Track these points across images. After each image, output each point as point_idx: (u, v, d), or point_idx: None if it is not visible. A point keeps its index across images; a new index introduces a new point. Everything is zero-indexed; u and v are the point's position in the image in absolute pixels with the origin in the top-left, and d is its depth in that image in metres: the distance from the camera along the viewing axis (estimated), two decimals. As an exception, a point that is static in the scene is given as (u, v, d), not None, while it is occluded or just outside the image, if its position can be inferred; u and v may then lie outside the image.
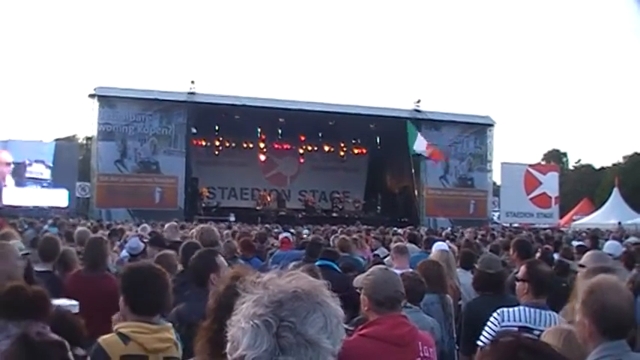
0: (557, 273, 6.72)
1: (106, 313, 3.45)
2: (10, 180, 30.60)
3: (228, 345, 1.36)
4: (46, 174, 31.08)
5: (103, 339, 2.92)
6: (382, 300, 3.37)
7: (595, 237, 13.38)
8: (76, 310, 3.65)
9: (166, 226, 10.48)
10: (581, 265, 4.77)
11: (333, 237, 10.83)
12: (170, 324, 3.14)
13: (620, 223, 28.49)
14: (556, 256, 8.42)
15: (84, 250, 5.68)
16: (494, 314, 3.97)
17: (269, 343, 1.28)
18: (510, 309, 3.96)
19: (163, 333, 2.99)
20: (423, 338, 3.42)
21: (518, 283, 4.19)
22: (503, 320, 3.89)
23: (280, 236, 10.86)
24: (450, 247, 8.32)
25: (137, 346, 2.87)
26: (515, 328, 3.77)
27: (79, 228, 9.49)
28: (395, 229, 18.10)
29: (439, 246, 7.42)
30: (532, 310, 3.90)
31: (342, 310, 1.40)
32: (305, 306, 1.32)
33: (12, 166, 30.54)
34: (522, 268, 4.26)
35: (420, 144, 29.14)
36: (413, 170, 30.98)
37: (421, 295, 4.68)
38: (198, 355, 2.56)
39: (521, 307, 3.95)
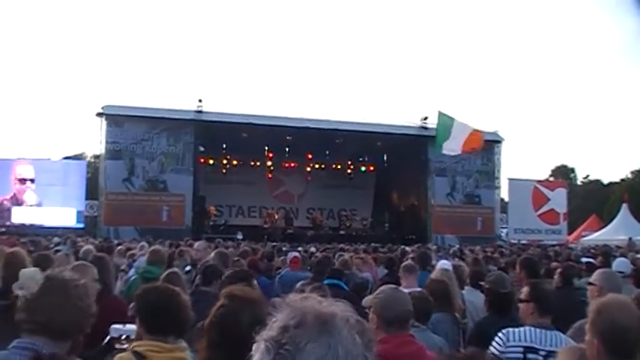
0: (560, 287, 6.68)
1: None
2: (31, 196, 30.72)
3: None
4: (56, 192, 31.19)
5: (119, 357, 2.95)
6: (392, 319, 3.38)
7: (606, 253, 13.30)
8: (133, 336, 3.68)
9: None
10: (591, 283, 4.76)
11: (337, 255, 10.82)
12: (185, 344, 3.15)
13: (630, 238, 28.27)
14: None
15: None
16: (499, 334, 3.95)
17: None
18: (516, 329, 3.94)
19: (178, 353, 3.00)
20: (430, 358, 3.41)
21: (522, 304, 4.17)
22: (508, 340, 3.87)
23: (289, 255, 10.76)
24: (459, 265, 8.30)
25: None
26: (521, 349, 3.76)
27: (85, 247, 9.49)
28: (403, 246, 18.06)
29: (442, 264, 7.43)
30: (537, 330, 3.88)
31: (358, 339, 1.34)
32: (307, 333, 1.29)
33: (29, 182, 30.64)
34: (526, 289, 4.25)
35: (455, 140, 22.16)
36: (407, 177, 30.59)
37: (428, 315, 4.67)
38: None
39: (527, 328, 3.93)
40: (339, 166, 36.78)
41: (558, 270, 7.09)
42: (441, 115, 22.31)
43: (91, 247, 9.68)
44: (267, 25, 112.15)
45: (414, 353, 3.31)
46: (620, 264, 7.39)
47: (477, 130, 22.51)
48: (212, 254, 8.61)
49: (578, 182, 67.79)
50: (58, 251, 10.50)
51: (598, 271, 5.10)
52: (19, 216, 29.93)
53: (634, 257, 11.88)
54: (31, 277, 4.91)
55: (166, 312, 3.08)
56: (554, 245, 25.52)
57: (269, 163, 35.49)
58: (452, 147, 22.32)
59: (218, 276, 5.82)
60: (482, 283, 5.88)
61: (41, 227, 27.96)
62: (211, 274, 6.00)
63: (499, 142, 35.42)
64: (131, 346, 3.01)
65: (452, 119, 21.97)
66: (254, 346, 1.34)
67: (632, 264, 8.55)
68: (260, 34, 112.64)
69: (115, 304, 5.07)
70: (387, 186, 37.46)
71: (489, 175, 34.84)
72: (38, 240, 16.98)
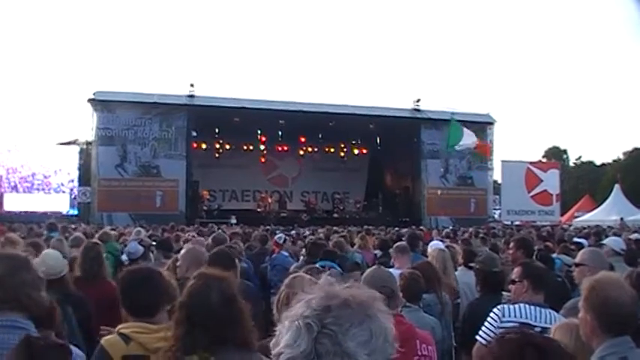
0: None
1: (105, 319, 3.47)
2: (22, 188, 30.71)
3: (273, 339, 1.38)
4: (49, 179, 31.12)
5: (105, 339, 2.94)
6: None
7: (599, 234, 13.34)
8: None
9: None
10: (579, 264, 4.72)
11: (331, 236, 10.79)
12: (171, 323, 3.14)
13: (622, 218, 28.43)
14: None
15: (79, 256, 5.65)
16: (495, 310, 3.97)
17: (307, 346, 1.28)
18: (511, 306, 3.97)
19: (165, 332, 2.98)
20: (421, 336, 3.41)
21: (515, 285, 4.17)
22: (503, 316, 3.88)
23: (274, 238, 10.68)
24: (452, 246, 8.31)
25: (138, 346, 2.89)
26: (516, 325, 3.77)
27: (75, 233, 9.44)
28: (396, 229, 18.08)
29: (435, 245, 7.43)
30: (532, 307, 3.90)
31: (390, 325, 1.37)
32: (351, 316, 1.30)
33: (11, 173, 30.61)
34: (518, 269, 4.26)
35: (467, 138, 25.38)
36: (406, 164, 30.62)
37: (419, 294, 4.66)
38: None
39: (522, 304, 3.94)
40: (332, 149, 36.80)
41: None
42: (453, 121, 25.37)
43: (80, 234, 9.58)
44: (259, 10, 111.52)
45: (404, 333, 3.30)
46: (614, 242, 7.38)
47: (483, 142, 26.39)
48: (209, 240, 8.60)
49: (571, 163, 67.95)
50: (50, 237, 10.46)
51: (584, 251, 5.04)
52: (11, 203, 29.81)
53: (627, 237, 11.90)
54: None
55: (145, 292, 3.07)
56: (546, 226, 25.58)
57: (262, 147, 35.51)
58: (466, 144, 25.20)
59: None
60: (472, 264, 5.89)
61: (34, 214, 27.86)
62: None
63: (491, 123, 35.47)
64: (117, 328, 3.00)
65: (461, 128, 24.99)
66: (281, 326, 1.34)
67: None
68: (252, 18, 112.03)
69: (108, 288, 5.07)
70: (380, 168, 37.54)
71: (482, 156, 34.86)
72: (31, 227, 16.92)
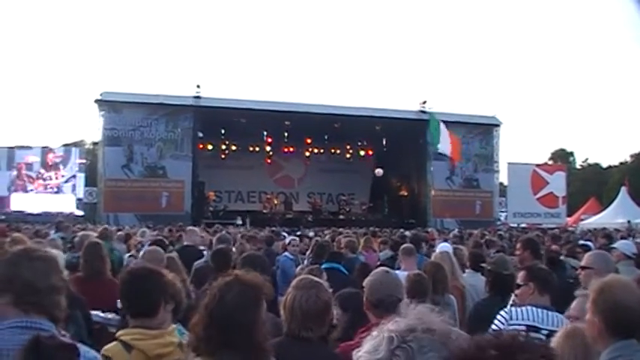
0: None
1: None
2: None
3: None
4: (55, 179, 31.23)
5: (106, 349, 2.91)
6: (375, 302, 3.40)
7: (607, 236, 13.27)
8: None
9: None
10: (585, 267, 4.68)
11: (338, 238, 10.76)
12: (174, 326, 3.12)
13: (629, 221, 28.31)
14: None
15: (81, 255, 5.66)
16: (502, 312, 3.96)
17: (384, 355, 1.34)
18: (518, 308, 3.95)
19: (165, 337, 2.97)
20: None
21: (521, 288, 4.14)
22: (511, 318, 3.88)
23: (287, 239, 10.69)
24: (459, 248, 8.28)
25: (140, 354, 2.87)
26: (524, 327, 3.75)
27: (80, 233, 9.40)
28: (401, 230, 18.05)
29: (442, 247, 7.40)
30: (539, 310, 3.89)
31: None
32: (431, 341, 1.35)
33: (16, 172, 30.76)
34: (522, 273, 4.24)
35: (444, 143, 24.31)
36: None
37: (424, 296, 4.65)
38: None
39: (529, 307, 3.93)
40: (337, 151, 36.75)
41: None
42: (432, 116, 25.15)
43: (90, 232, 9.56)
44: (265, 11, 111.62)
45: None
46: (624, 246, 7.31)
47: (453, 137, 24.44)
48: (214, 240, 8.57)
49: (577, 166, 67.76)
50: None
51: (590, 254, 5.00)
52: (18, 203, 29.90)
53: (634, 240, 11.83)
54: None
55: (142, 292, 3.04)
56: (553, 228, 25.49)
57: (268, 148, 35.51)
58: (445, 149, 24.12)
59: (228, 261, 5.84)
60: (483, 265, 5.86)
61: (40, 215, 27.96)
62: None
63: (497, 125, 35.39)
64: (118, 334, 2.97)
65: (439, 125, 23.57)
66: (374, 334, 1.40)
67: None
68: (258, 20, 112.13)
69: (110, 286, 5.04)
70: (385, 170, 37.45)
71: (488, 158, 34.85)
72: (37, 229, 16.95)
